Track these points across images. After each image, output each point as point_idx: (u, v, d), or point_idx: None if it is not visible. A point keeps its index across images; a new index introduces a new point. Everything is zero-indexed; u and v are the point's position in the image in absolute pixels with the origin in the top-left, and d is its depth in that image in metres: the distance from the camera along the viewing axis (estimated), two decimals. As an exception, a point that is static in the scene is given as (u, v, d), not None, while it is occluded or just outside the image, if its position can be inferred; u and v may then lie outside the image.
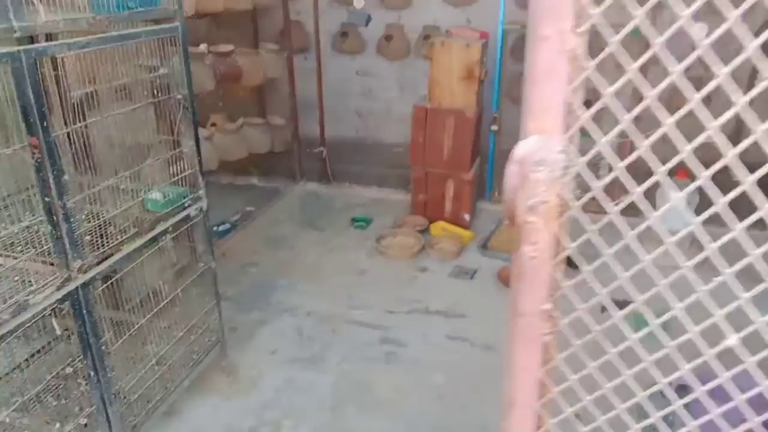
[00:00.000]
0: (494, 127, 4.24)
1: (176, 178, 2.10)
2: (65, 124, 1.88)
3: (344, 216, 4.36)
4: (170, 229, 2.07)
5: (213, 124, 4.10)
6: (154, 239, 2.01)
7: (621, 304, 0.72)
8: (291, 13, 4.64)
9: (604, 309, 0.74)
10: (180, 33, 1.96)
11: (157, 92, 2.06)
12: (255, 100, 5.44)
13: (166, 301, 2.11)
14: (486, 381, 2.62)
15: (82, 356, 1.72)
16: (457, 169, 3.96)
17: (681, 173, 3.51)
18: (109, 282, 1.82)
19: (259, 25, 5.37)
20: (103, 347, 1.78)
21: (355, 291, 3.37)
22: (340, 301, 3.27)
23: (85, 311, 1.70)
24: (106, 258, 1.81)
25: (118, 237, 1.88)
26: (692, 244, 3.65)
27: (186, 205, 2.17)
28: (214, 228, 3.93)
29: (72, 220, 1.67)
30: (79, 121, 1.92)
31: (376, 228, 4.16)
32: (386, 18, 5.60)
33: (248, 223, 4.19)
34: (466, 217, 4.08)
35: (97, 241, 1.82)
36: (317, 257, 3.77)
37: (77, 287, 1.68)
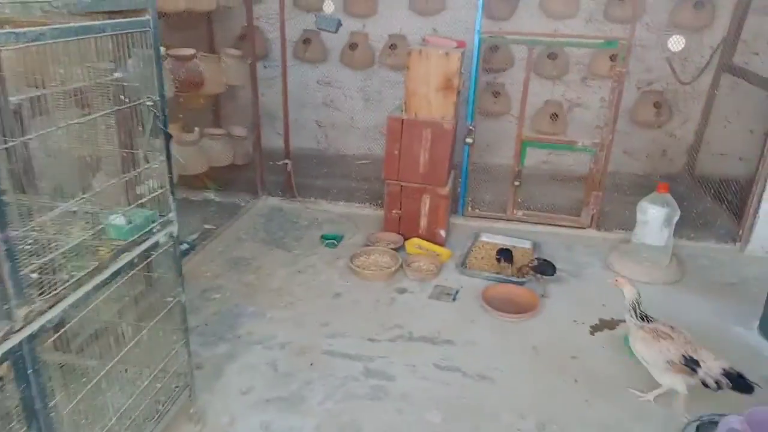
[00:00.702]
0: (469, 140, 4.09)
1: (144, 199, 1.79)
2: (3, 135, 1.55)
3: (312, 233, 4.08)
4: (136, 260, 1.75)
5: (168, 135, 3.73)
6: (117, 273, 1.68)
7: None
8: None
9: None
10: (151, 27, 1.66)
11: (120, 98, 1.75)
12: (211, 109, 5.08)
13: (129, 345, 1.78)
14: (487, 418, 2.42)
15: (25, 427, 1.38)
16: (433, 183, 3.78)
17: (662, 187, 3.46)
18: (63, 330, 1.49)
19: (215, 30, 5.03)
20: (53, 414, 1.44)
21: (330, 317, 3.10)
22: (315, 329, 2.99)
23: (31, 371, 1.36)
24: (60, 300, 1.48)
25: (74, 273, 1.55)
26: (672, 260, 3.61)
27: (154, 230, 1.85)
28: (170, 249, 3.57)
29: (15, 255, 1.34)
30: (21, 133, 1.59)
31: (348, 246, 3.91)
32: (350, 26, 5.39)
33: (208, 242, 3.84)
34: (442, 233, 3.89)
35: (46, 279, 1.48)
36: (286, 280, 3.47)
37: (21, 341, 1.35)
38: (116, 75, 1.91)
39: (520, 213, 4.26)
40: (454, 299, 3.30)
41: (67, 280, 1.49)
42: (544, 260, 3.45)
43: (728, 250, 4.02)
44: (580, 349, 2.87)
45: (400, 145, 3.73)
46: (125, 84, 1.87)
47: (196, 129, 4.02)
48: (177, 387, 2.14)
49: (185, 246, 3.67)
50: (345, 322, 3.06)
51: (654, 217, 3.45)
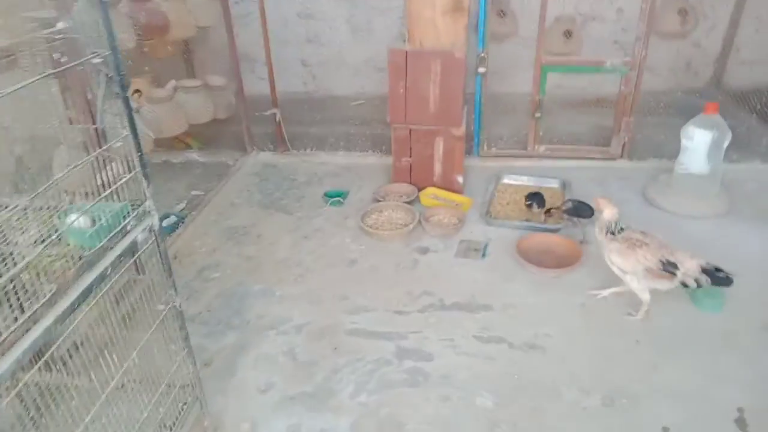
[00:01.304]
0: (481, 69, 3.59)
1: (109, 190, 1.35)
2: None
3: (313, 191, 3.65)
4: (109, 270, 1.34)
5: (137, 92, 3.22)
6: (89, 290, 1.28)
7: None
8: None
9: None
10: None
11: (60, 57, 1.28)
12: (183, 57, 4.50)
13: (116, 380, 1.40)
14: (545, 396, 2.10)
15: None
16: (446, 123, 3.32)
17: (710, 107, 3.03)
18: (19, 388, 1.09)
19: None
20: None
21: (348, 289, 2.73)
22: (334, 305, 2.63)
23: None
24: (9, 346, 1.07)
25: (26, 303, 1.14)
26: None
27: (128, 227, 1.43)
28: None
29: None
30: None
31: (355, 202, 3.49)
32: (331, -56, 4.74)
33: (198, 212, 3.41)
34: (459, 179, 3.47)
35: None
36: (292, 248, 3.07)
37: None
38: (60, 26, 1.43)
39: (542, 148, 3.83)
40: (483, 255, 2.93)
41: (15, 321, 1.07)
42: (579, 201, 3.06)
43: (775, 170, 3.65)
44: (635, 303, 2.54)
45: (406, 81, 3.24)
46: (70, 36, 1.40)
47: (172, 82, 3.49)
48: (185, 404, 1.78)
49: (173, 219, 3.25)
50: (366, 293, 2.69)
51: (701, 143, 3.04)
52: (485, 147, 3.89)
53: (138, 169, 1.42)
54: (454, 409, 2.07)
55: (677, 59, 4.88)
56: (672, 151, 3.86)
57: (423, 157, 3.44)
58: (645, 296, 2.36)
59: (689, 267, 2.23)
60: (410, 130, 3.38)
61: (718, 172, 3.14)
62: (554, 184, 3.53)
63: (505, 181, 3.60)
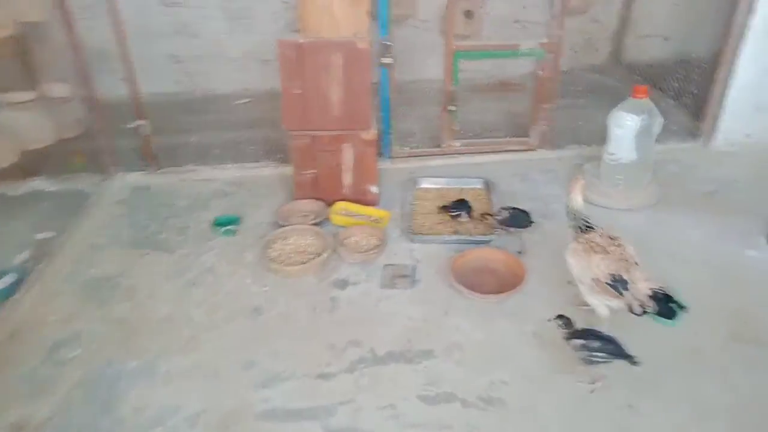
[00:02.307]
0: (387, 60, 3.10)
1: None
2: None
3: (199, 218, 3.00)
4: None
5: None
6: None
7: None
8: None
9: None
10: None
11: None
12: (20, 60, 3.57)
13: None
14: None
15: None
16: (354, 126, 2.81)
17: (639, 91, 2.77)
18: None
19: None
20: None
21: (254, 350, 2.17)
22: (237, 378, 2.06)
23: None
24: None
25: None
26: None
27: None
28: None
29: None
30: None
31: (252, 228, 2.90)
32: None
33: (46, 263, 2.63)
34: (374, 189, 2.99)
35: None
36: (176, 301, 2.44)
37: None
38: None
39: (458, 144, 3.44)
40: (413, 283, 2.49)
41: None
42: (514, 208, 2.71)
43: (691, 149, 3.53)
44: (590, 325, 2.21)
45: (303, 79, 2.68)
46: None
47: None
48: None
49: (9, 279, 2.48)
50: (277, 353, 2.15)
51: (632, 129, 2.79)
52: (396, 147, 3.43)
53: None
54: None
55: (577, 36, 4.71)
56: (589, 135, 3.65)
57: (329, 168, 2.91)
58: (602, 311, 2.05)
59: (639, 289, 1.92)
60: (312, 137, 2.83)
61: (650, 160, 2.91)
62: (477, 184, 3.16)
63: (423, 185, 3.17)
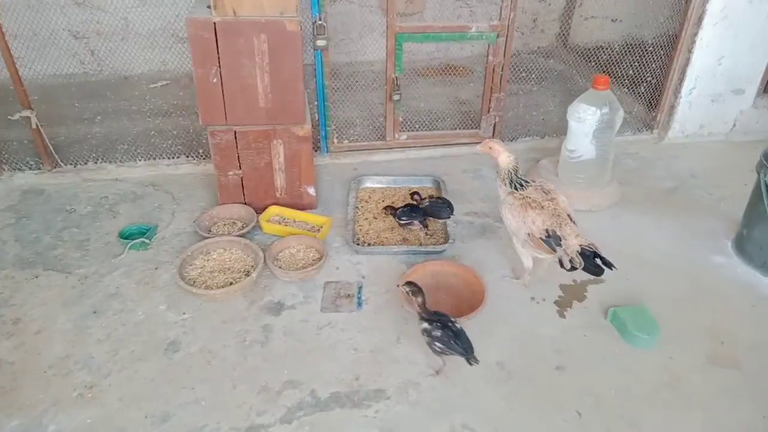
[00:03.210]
0: (321, 42, 2.71)
1: None
2: None
3: (103, 228, 2.54)
4: None
5: None
6: None
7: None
8: None
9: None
10: None
11: None
12: None
13: None
14: None
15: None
16: (285, 120, 2.42)
17: (600, 81, 2.54)
18: None
19: None
20: None
21: (170, 398, 1.79)
22: (148, 435, 1.68)
23: None
24: None
25: None
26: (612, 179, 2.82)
27: None
28: None
29: None
30: None
31: (168, 240, 2.48)
32: None
33: None
34: (311, 191, 2.63)
35: None
36: (74, 336, 2.01)
37: None
38: None
39: (404, 137, 3.11)
40: (359, 304, 2.17)
41: None
42: (437, 198, 2.57)
43: (647, 140, 3.37)
44: (560, 351, 1.98)
45: (219, 66, 2.25)
46: None
47: None
48: None
49: None
50: (198, 401, 1.78)
51: (592, 124, 2.56)
52: (335, 140, 3.07)
53: None
54: None
55: (523, 17, 4.46)
56: (541, 126, 3.42)
57: (257, 168, 2.52)
58: (527, 263, 2.14)
59: (570, 245, 1.95)
60: (235, 133, 2.42)
61: (611, 156, 2.70)
62: (427, 183, 2.86)
63: (368, 185, 2.84)
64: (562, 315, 2.13)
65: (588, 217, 2.61)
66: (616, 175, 2.83)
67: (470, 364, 1.77)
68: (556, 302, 2.18)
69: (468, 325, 1.99)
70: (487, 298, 2.08)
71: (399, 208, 2.53)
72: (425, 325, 1.83)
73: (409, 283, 1.91)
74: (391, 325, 2.07)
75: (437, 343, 1.80)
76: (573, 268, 1.93)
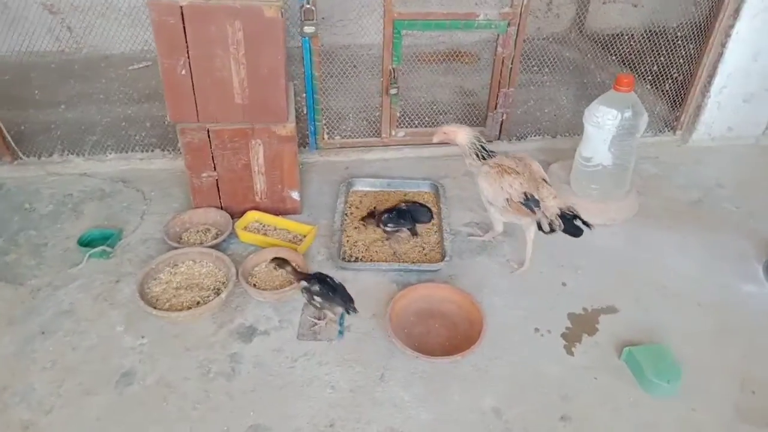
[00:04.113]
0: (309, 28, 2.42)
1: None
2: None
3: (63, 231, 2.29)
4: None
5: None
6: None
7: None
8: None
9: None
10: None
11: None
12: None
13: None
14: None
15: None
16: (264, 118, 2.15)
17: (624, 82, 2.24)
18: None
19: None
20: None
21: (118, 441, 1.57)
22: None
23: None
24: None
25: None
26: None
27: None
28: None
29: None
30: None
31: (134, 247, 2.23)
32: None
33: None
34: (294, 195, 2.37)
35: None
36: (12, 363, 1.78)
37: None
38: None
39: (401, 134, 2.83)
40: (340, 332, 1.92)
41: None
42: (413, 202, 2.36)
43: (669, 143, 3.07)
44: (566, 398, 1.73)
45: (188, 57, 1.97)
46: None
47: None
48: None
49: None
50: (149, 449, 1.56)
51: (612, 128, 2.27)
52: (325, 136, 2.79)
53: None
54: None
55: (536, 0, 4.12)
56: (553, 123, 3.14)
57: (234, 170, 2.26)
58: (498, 227, 2.20)
59: (548, 207, 1.97)
60: (208, 131, 2.15)
61: (631, 165, 2.42)
62: (424, 188, 2.59)
63: (359, 188, 2.57)
64: (569, 351, 1.87)
65: (602, 232, 2.34)
66: (633, 183, 2.55)
67: (348, 313, 1.82)
68: (563, 335, 1.93)
69: (461, 361, 1.74)
70: (485, 330, 1.83)
71: (384, 213, 2.27)
72: (304, 283, 1.85)
73: (274, 260, 1.92)
74: (374, 358, 1.82)
75: (317, 297, 1.82)
76: (552, 230, 1.96)
